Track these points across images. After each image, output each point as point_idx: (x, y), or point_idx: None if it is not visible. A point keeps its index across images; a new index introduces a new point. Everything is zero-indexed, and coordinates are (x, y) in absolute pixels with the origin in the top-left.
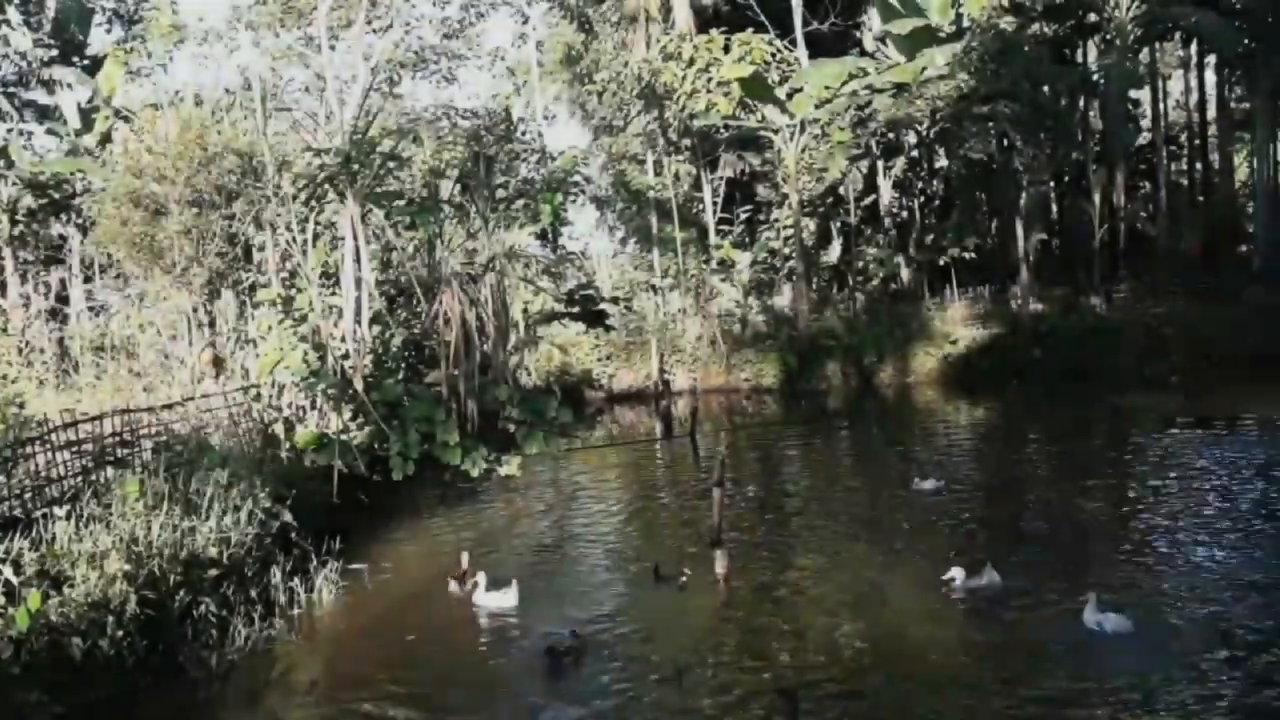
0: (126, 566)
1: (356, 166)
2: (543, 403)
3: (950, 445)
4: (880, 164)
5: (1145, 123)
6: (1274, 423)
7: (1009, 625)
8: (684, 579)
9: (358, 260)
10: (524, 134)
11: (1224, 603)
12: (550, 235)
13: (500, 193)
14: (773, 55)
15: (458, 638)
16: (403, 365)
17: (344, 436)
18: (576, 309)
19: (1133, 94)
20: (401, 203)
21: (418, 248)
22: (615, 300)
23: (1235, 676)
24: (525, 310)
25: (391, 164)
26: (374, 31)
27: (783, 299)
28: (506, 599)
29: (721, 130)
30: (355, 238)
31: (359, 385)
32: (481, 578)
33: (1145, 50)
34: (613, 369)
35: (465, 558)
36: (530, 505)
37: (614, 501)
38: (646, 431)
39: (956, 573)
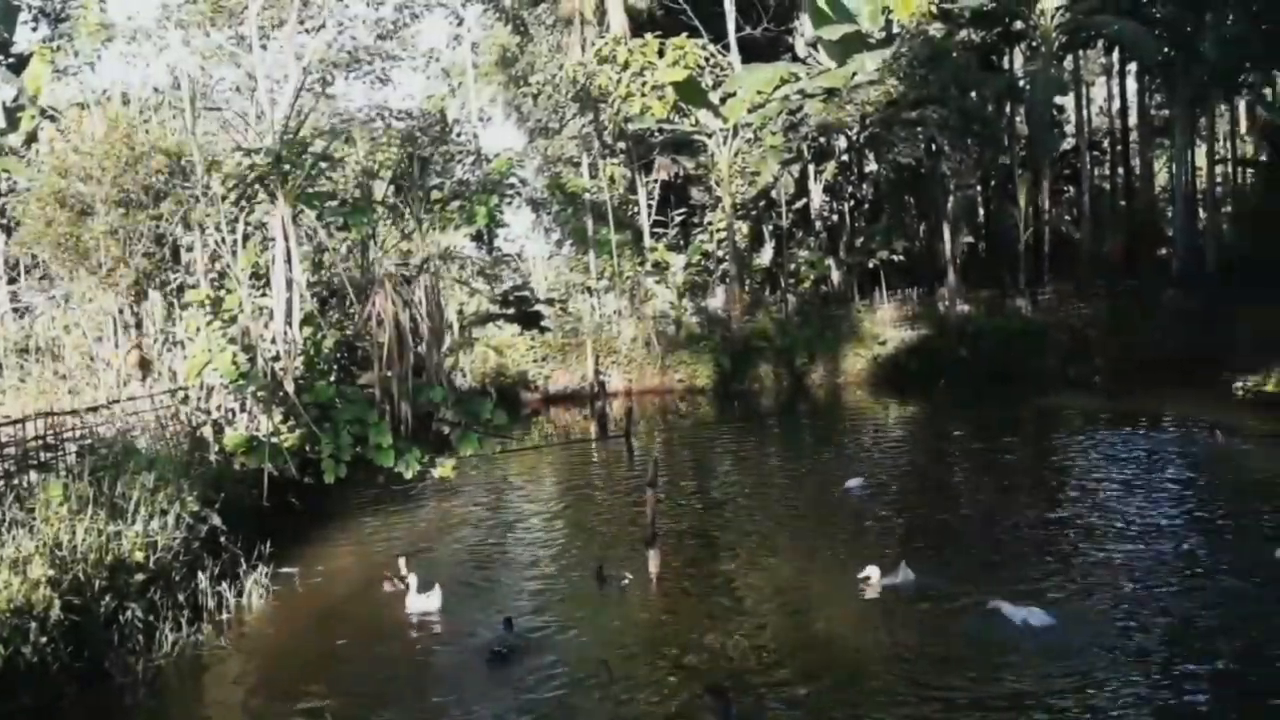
0: (50, 572)
1: (288, 167)
2: (478, 404)
3: (878, 444)
4: (811, 168)
5: (1070, 129)
6: (1192, 422)
7: (931, 621)
8: (626, 580)
9: (288, 261)
10: (459, 135)
11: (1143, 596)
12: (486, 237)
13: (435, 194)
14: (706, 60)
15: (389, 640)
16: (335, 367)
17: (274, 439)
18: (512, 310)
19: (1057, 100)
20: (334, 203)
21: (350, 249)
22: (550, 302)
23: (1153, 667)
24: (460, 312)
25: (324, 164)
26: (306, 31)
27: (716, 301)
28: (431, 602)
29: (656, 134)
30: (286, 238)
31: (289, 387)
32: (413, 580)
33: (1069, 58)
34: (548, 370)
35: (403, 561)
36: (465, 507)
37: (549, 502)
38: (582, 432)
39: (872, 571)
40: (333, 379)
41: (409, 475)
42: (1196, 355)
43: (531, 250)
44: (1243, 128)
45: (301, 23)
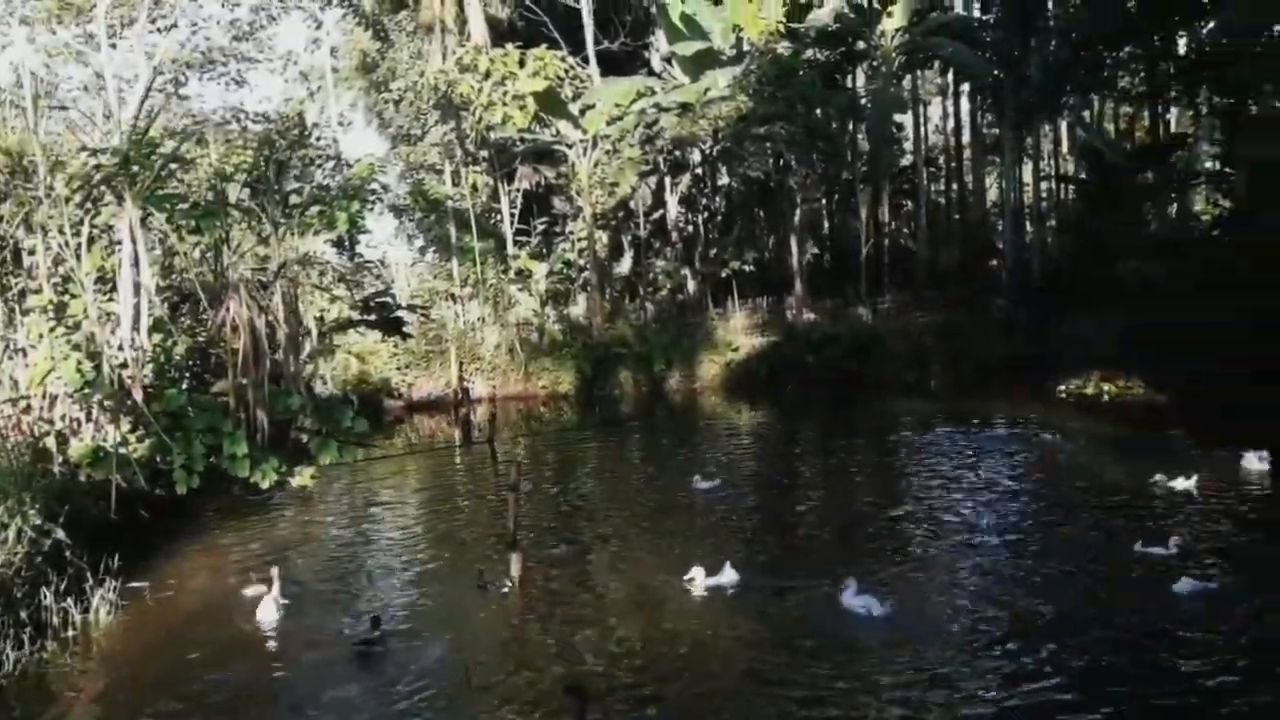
0: None
1: (136, 168)
2: (338, 412)
3: (731, 447)
4: (668, 180)
5: (908, 146)
6: (1021, 423)
7: (775, 615)
8: (506, 588)
9: (136, 265)
10: (318, 140)
11: (979, 586)
12: (347, 243)
13: (294, 199)
14: (566, 71)
15: (244, 652)
16: (187, 375)
17: (122, 450)
18: (373, 317)
19: (897, 118)
20: (185, 206)
21: (204, 253)
22: (413, 308)
23: (989, 654)
24: (320, 318)
25: (174, 166)
26: (157, 30)
27: (578, 308)
28: (269, 612)
29: (518, 143)
30: (134, 241)
31: (138, 396)
32: (275, 589)
33: (908, 78)
34: (412, 377)
35: (275, 571)
36: (326, 516)
37: (412, 509)
38: (446, 439)
39: (697, 572)
40: (184, 387)
41: (266, 485)
42: (1023, 361)
43: (394, 257)
44: (1065, 147)
45: (152, 21)
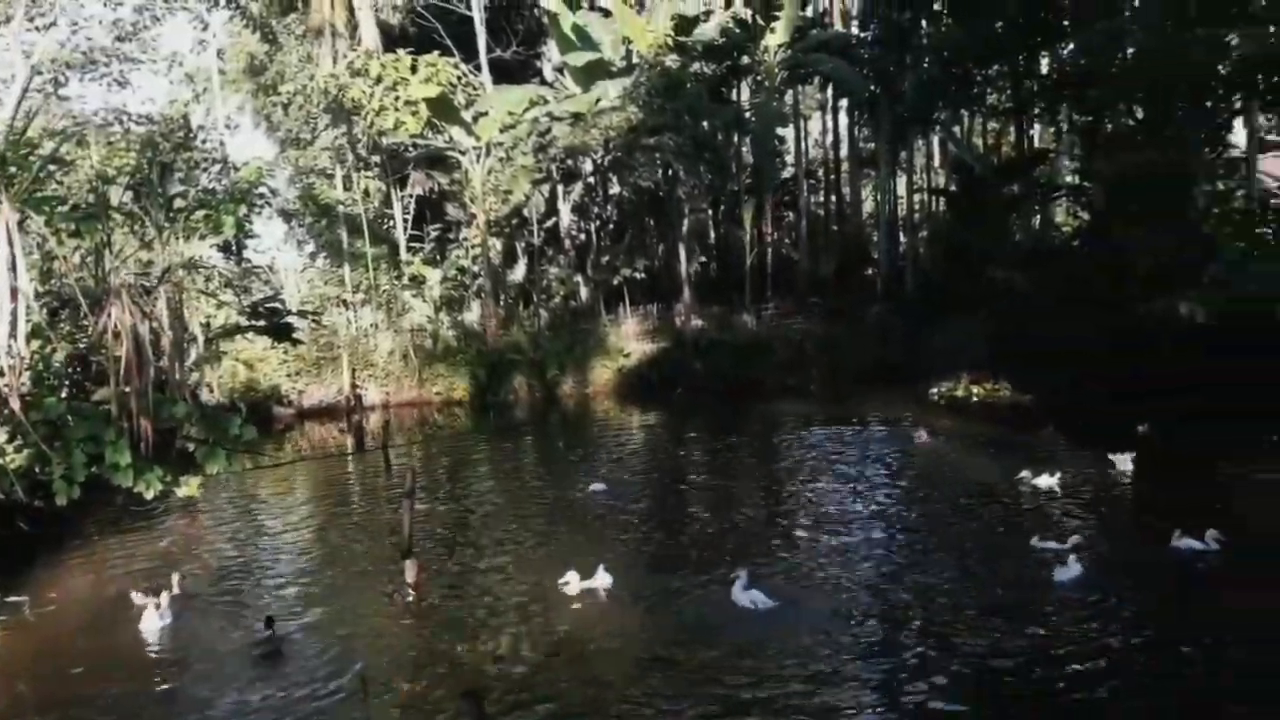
0: None
1: (14, 169)
2: (225, 420)
3: (622, 450)
4: (560, 189)
5: (790, 158)
6: (894, 422)
7: (661, 614)
8: (410, 596)
9: (13, 269)
10: (204, 142)
11: (860, 579)
12: (235, 248)
13: (179, 202)
14: (458, 78)
15: (130, 664)
16: (67, 382)
17: None
18: (262, 322)
19: (779, 132)
20: (65, 208)
21: (84, 257)
22: (304, 314)
23: (871, 644)
24: (207, 324)
25: (53, 167)
26: (36, 29)
27: (472, 315)
28: (153, 621)
29: (410, 148)
30: (11, 245)
31: (15, 404)
32: (165, 598)
33: (790, 93)
34: (302, 384)
35: (175, 578)
36: (215, 525)
37: (304, 517)
38: (338, 447)
39: (571, 576)
40: (64, 395)
41: (150, 495)
42: (898, 365)
43: (284, 262)
44: (936, 161)
45: (31, 19)
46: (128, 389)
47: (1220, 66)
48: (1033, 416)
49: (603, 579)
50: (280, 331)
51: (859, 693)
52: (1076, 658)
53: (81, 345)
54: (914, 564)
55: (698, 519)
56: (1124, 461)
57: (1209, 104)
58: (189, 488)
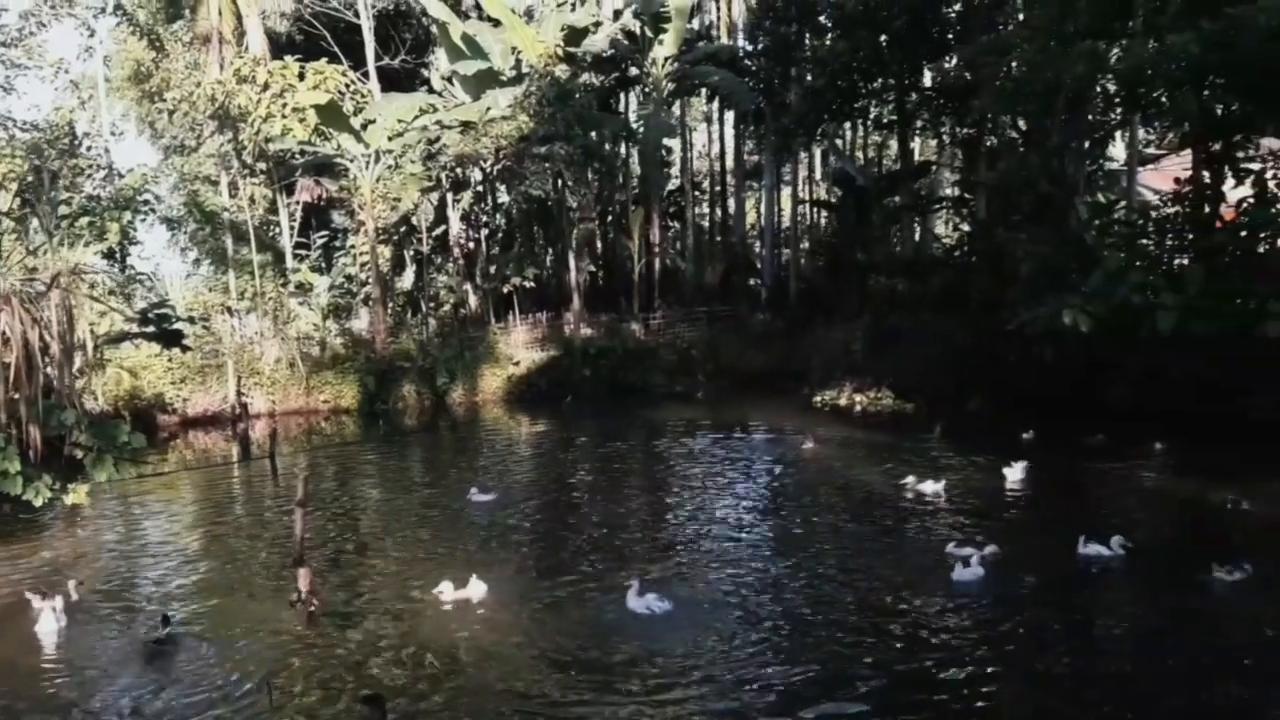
0: None
1: None
2: (113, 428)
3: (510, 458)
4: (449, 197)
5: (676, 169)
6: (782, 430)
7: (560, 619)
8: (314, 607)
9: None
10: (89, 149)
11: (751, 583)
12: (119, 254)
13: (64, 209)
14: (347, 86)
15: (16, 673)
16: None
17: None
18: (151, 329)
19: (666, 142)
20: None
21: None
22: (193, 319)
23: (760, 642)
24: (93, 331)
25: None
26: None
27: (360, 322)
28: (50, 624)
29: (298, 155)
30: None
31: None
32: (58, 603)
33: (677, 104)
34: (187, 392)
35: (73, 585)
36: (102, 533)
37: (191, 526)
38: (223, 456)
39: (445, 585)
40: None
41: (39, 503)
42: (781, 371)
43: (167, 269)
44: (818, 173)
45: None
46: (16, 396)
47: (1102, 80)
48: (916, 424)
49: (476, 588)
50: (170, 338)
51: (756, 696)
52: (966, 658)
53: None
54: (801, 567)
55: (586, 526)
56: (1015, 470)
57: (1091, 116)
58: (77, 495)
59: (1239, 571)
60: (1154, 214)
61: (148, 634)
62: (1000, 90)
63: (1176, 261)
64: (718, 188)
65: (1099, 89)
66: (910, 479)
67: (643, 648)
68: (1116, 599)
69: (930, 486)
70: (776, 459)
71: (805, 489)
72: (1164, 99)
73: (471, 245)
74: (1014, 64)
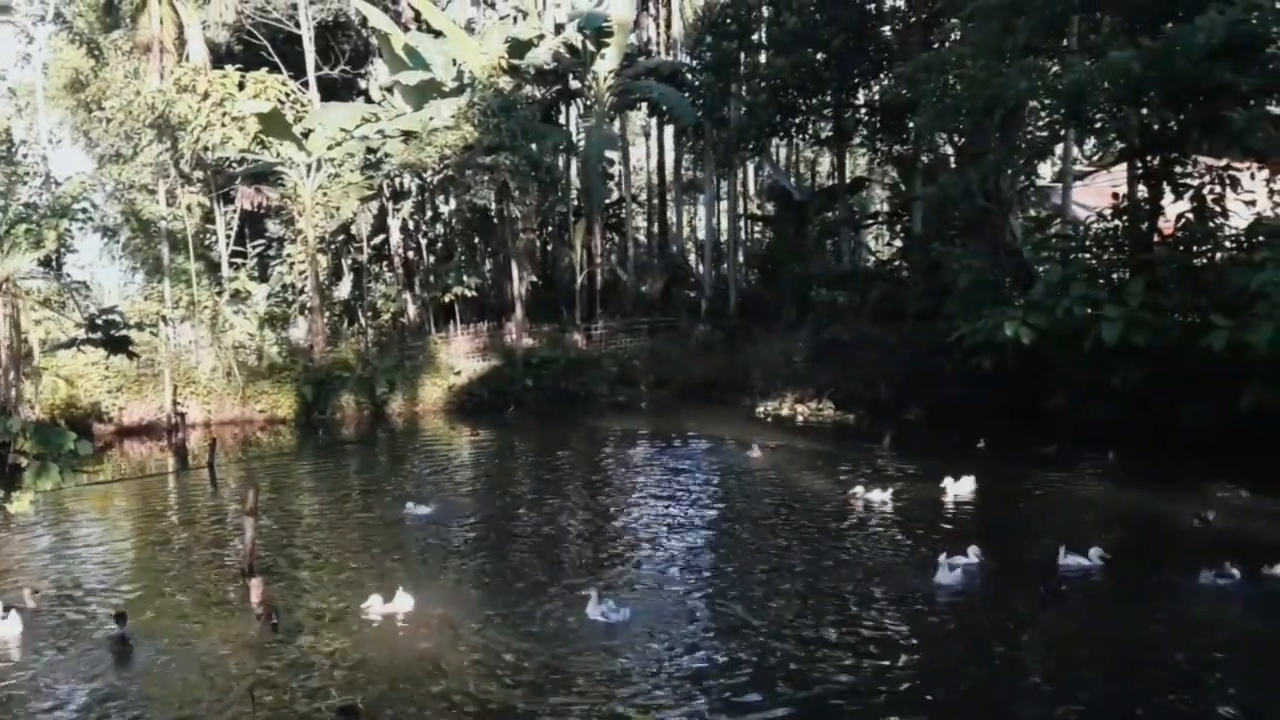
0: None
1: None
2: (59, 435)
3: (449, 467)
4: (390, 206)
5: (617, 181)
6: (718, 437)
7: (519, 629)
8: (275, 621)
9: None
10: (25, 157)
11: (697, 588)
12: (55, 263)
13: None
14: (287, 95)
15: None
16: None
17: None
18: (99, 335)
19: (607, 154)
20: None
21: None
22: (141, 326)
23: (709, 648)
24: (42, 340)
25: None
26: None
27: (298, 331)
28: (10, 627)
29: (236, 164)
30: None
31: None
32: (12, 613)
33: (619, 118)
34: (122, 401)
35: (28, 592)
36: (44, 542)
37: (135, 535)
38: (159, 465)
39: (374, 600)
40: None
41: None
42: (722, 382)
43: (103, 278)
44: (754, 188)
45: None
46: None
47: (1041, 96)
48: (859, 434)
49: (403, 601)
50: (117, 344)
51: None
52: (921, 665)
53: None
54: (743, 571)
55: (531, 537)
56: (966, 482)
57: (1027, 133)
58: (20, 504)
59: (1225, 577)
60: (1093, 228)
61: (107, 634)
62: (938, 107)
63: (1115, 275)
64: (655, 200)
65: (1038, 105)
66: (858, 488)
67: (599, 656)
68: (1105, 607)
69: (877, 495)
70: (725, 468)
71: (754, 497)
72: (1104, 115)
73: (411, 254)
74: (952, 81)
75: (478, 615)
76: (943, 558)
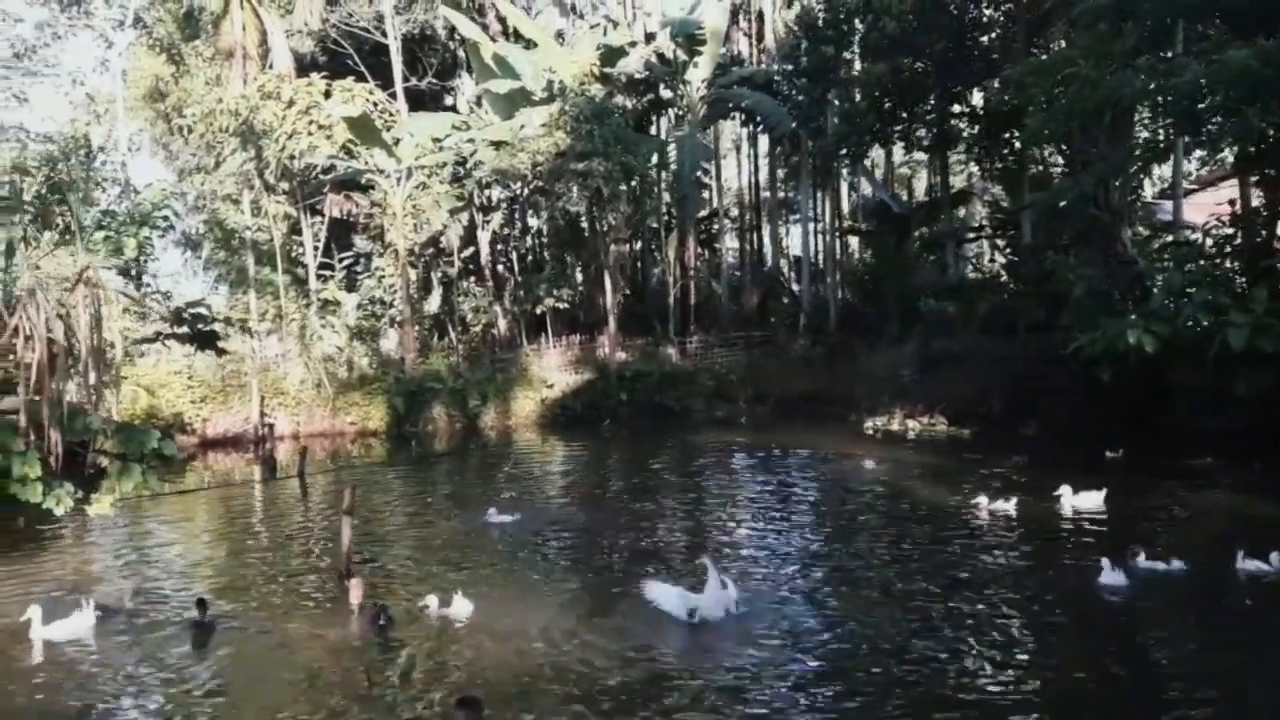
0: None
1: None
2: (142, 434)
3: (544, 477)
4: (479, 218)
5: (711, 193)
6: (826, 450)
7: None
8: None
9: None
10: (104, 164)
11: (809, 593)
12: (135, 272)
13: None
14: (374, 105)
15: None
16: None
17: None
18: (184, 330)
19: (701, 164)
20: None
21: None
22: (229, 320)
23: (816, 644)
24: (123, 333)
25: None
26: None
27: (388, 343)
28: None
29: (323, 172)
30: None
31: None
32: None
33: (710, 130)
34: (206, 412)
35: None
36: (132, 545)
37: (225, 539)
38: (245, 477)
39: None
40: None
41: (60, 511)
42: (825, 397)
43: (186, 290)
44: (854, 200)
45: None
46: (38, 398)
47: (1155, 98)
48: (975, 448)
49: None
50: (205, 339)
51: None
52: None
53: None
54: (862, 581)
55: (627, 539)
56: (1089, 496)
57: (1138, 139)
58: (100, 505)
59: None
60: (1211, 235)
61: (191, 620)
62: (1047, 111)
63: (1237, 283)
64: (749, 215)
65: (1148, 109)
66: (982, 498)
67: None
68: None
69: (1001, 506)
70: (836, 478)
71: (870, 507)
72: (1219, 119)
73: (501, 268)
74: (1061, 83)
75: (566, 617)
76: (1105, 560)
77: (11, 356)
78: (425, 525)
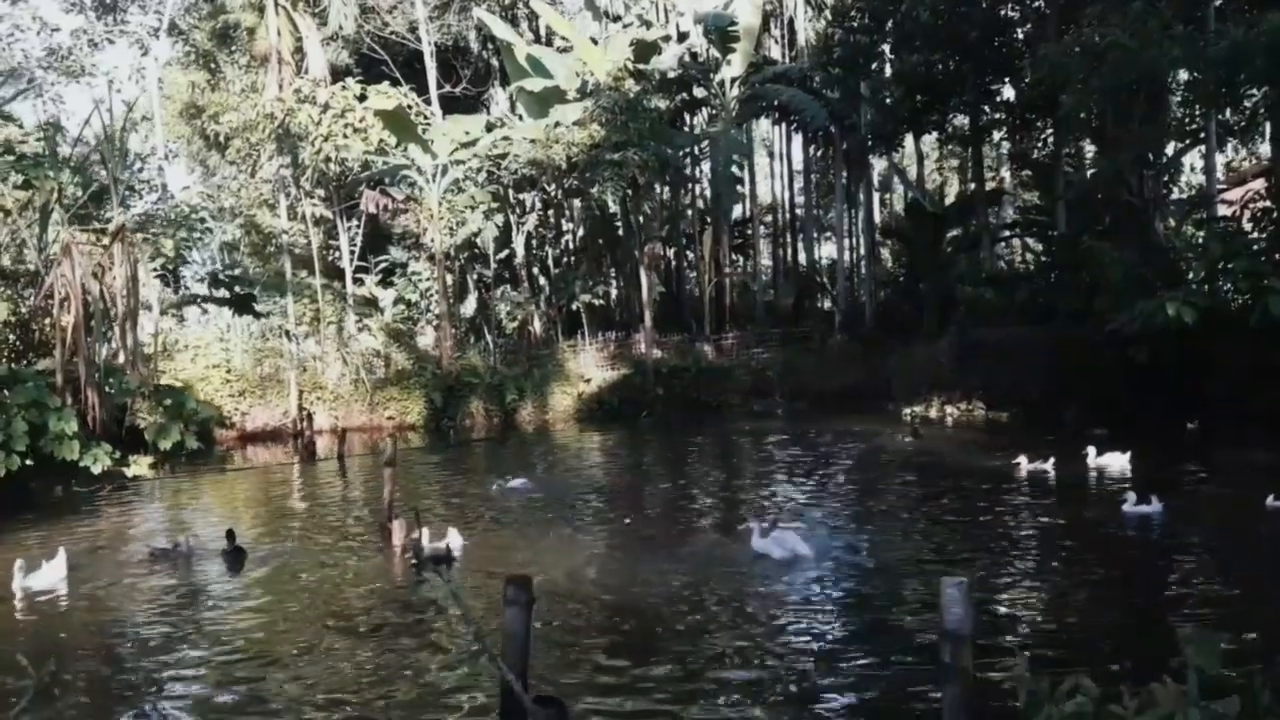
0: None
1: None
2: (180, 395)
3: (581, 454)
4: (514, 217)
5: (745, 189)
6: (854, 429)
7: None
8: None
9: None
10: (140, 170)
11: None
12: (173, 276)
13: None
14: (409, 107)
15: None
16: (4, 349)
17: None
18: (223, 293)
19: (735, 158)
20: (10, 158)
21: (25, 211)
22: (268, 286)
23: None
24: (161, 297)
25: None
26: None
27: (426, 339)
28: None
29: (360, 171)
30: None
31: None
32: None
33: (745, 128)
34: (245, 406)
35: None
36: (176, 512)
37: (260, 506)
38: (283, 463)
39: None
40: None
41: (97, 470)
42: (862, 390)
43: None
44: (880, 200)
45: None
46: (75, 358)
47: (1192, 65)
48: (1014, 430)
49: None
50: (241, 303)
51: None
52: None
53: (23, 311)
54: (922, 531)
55: (663, 508)
56: (1114, 458)
57: (1173, 117)
58: (139, 466)
59: None
60: (1249, 207)
61: (221, 550)
62: (1085, 88)
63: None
64: (785, 214)
65: (1184, 85)
66: (1021, 458)
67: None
68: None
69: (1039, 465)
70: (875, 450)
71: (910, 469)
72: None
73: (536, 265)
74: (1098, 62)
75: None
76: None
77: (48, 319)
78: (456, 494)
